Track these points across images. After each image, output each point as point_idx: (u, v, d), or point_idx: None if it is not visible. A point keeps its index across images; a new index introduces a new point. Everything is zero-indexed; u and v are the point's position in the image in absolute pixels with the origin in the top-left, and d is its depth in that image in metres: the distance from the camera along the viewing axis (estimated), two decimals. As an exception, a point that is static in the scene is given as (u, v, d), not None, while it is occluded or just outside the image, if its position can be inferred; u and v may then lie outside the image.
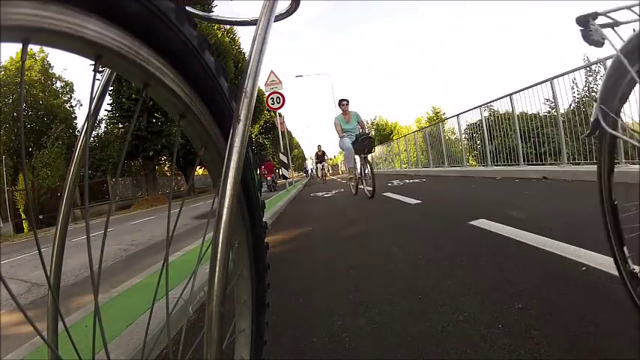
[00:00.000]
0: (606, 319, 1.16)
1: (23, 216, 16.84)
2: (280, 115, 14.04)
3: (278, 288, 2.04)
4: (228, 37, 29.34)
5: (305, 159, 37.10)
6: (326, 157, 17.24)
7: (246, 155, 0.44)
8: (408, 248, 2.51)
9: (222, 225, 0.40)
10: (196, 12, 0.60)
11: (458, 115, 8.48)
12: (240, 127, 0.41)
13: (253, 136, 41.42)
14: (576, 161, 4.93)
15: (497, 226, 2.61)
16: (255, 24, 0.44)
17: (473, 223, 2.86)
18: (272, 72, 13.35)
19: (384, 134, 41.01)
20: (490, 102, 7.10)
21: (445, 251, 2.29)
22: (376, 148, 21.16)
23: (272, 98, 12.88)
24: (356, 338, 1.33)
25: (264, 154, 46.54)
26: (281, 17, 0.61)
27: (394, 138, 29.09)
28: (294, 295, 1.90)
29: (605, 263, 1.61)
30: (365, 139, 5.66)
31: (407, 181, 8.62)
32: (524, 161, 6.01)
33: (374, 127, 43.09)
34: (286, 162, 12.05)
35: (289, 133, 15.63)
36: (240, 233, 0.61)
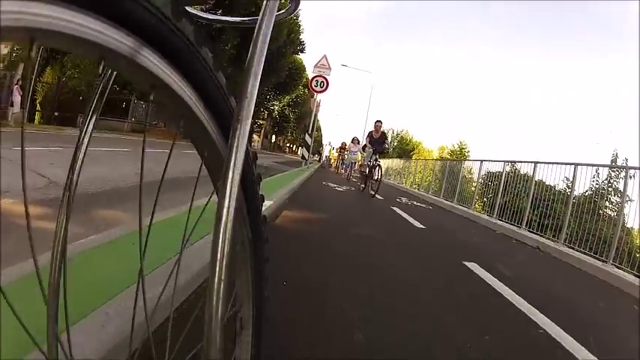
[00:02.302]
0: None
1: (38, 107, 17.06)
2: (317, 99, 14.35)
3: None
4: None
5: (322, 145, 37.22)
6: (386, 145, 8.73)
7: (246, 153, 0.43)
8: (409, 271, 2.98)
9: (222, 227, 0.38)
10: (196, 12, 0.58)
11: (482, 160, 8.86)
12: (241, 127, 0.40)
13: (280, 105, 41.57)
14: (571, 245, 5.34)
15: (485, 274, 3.05)
16: (255, 24, 0.44)
17: (466, 263, 3.31)
18: (325, 57, 13.57)
19: (406, 149, 41.37)
20: (516, 162, 7.48)
21: (437, 279, 2.75)
22: (394, 160, 21.47)
23: (317, 81, 13.15)
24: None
25: (286, 126, 46.86)
26: (281, 17, 0.60)
27: (414, 157, 29.54)
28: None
29: (559, 334, 2.05)
30: None
31: (414, 202, 9.05)
32: (526, 226, 6.42)
33: (398, 138, 43.44)
34: (309, 144, 12.49)
35: (315, 115, 15.04)
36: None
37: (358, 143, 13.04)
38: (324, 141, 49.54)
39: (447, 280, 2.77)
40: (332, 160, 25.85)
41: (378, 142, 8.48)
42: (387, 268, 2.77)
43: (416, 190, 13.28)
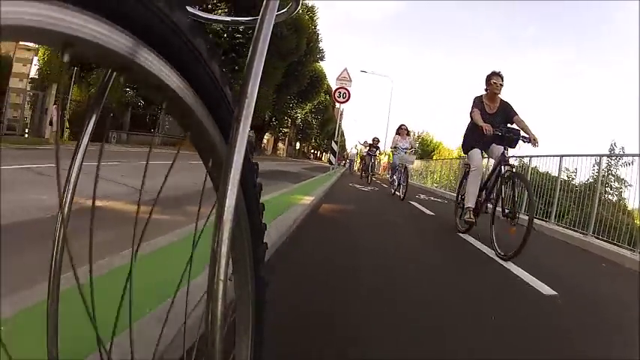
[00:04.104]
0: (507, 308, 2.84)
1: (67, 124, 17.02)
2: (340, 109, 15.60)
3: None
4: (308, 14, 30.59)
5: (346, 149, 38.12)
6: (523, 131, 3.96)
7: (246, 153, 0.41)
8: (416, 237, 4.22)
9: (222, 227, 0.39)
10: (196, 12, 0.58)
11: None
12: (241, 127, 0.40)
13: (303, 113, 43.01)
14: (560, 223, 6.40)
15: (473, 240, 4.23)
16: (255, 24, 0.44)
17: (460, 234, 4.50)
18: (346, 69, 14.83)
19: (427, 150, 42.33)
20: (512, 156, 8.57)
21: (433, 240, 3.99)
22: (415, 162, 22.39)
23: (339, 92, 14.44)
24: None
25: (310, 133, 48.35)
26: (281, 17, 0.58)
27: (434, 157, 30.63)
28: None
29: (519, 272, 3.23)
30: None
31: (431, 198, 10.20)
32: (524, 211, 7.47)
33: (419, 140, 44.31)
34: (335, 150, 13.85)
35: (339, 124, 15.61)
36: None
37: (408, 135, 9.07)
38: (348, 145, 50.63)
39: (441, 242, 4.00)
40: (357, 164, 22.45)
41: (498, 118, 4.16)
42: (397, 235, 4.03)
43: (435, 188, 14.36)
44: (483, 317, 2.01)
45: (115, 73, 0.41)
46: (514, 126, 4.04)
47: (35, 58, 20.65)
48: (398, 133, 8.93)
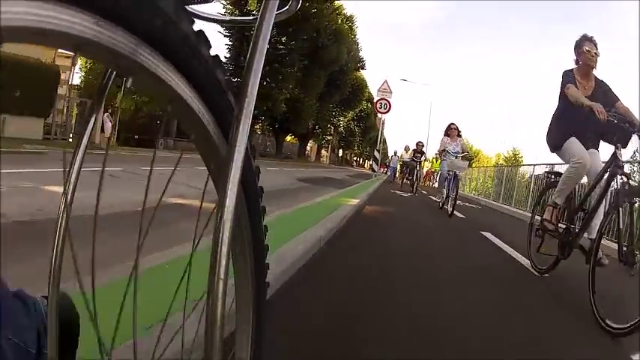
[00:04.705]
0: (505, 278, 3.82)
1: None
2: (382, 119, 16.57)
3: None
4: (347, 24, 31.02)
5: (387, 157, 38.66)
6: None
7: (246, 153, 0.42)
8: (446, 233, 5.22)
9: (222, 226, 0.39)
10: (196, 11, 0.59)
11: (516, 165, 10.60)
12: (241, 126, 0.40)
13: (345, 120, 43.93)
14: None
15: (491, 237, 5.14)
16: (255, 24, 0.45)
17: (482, 232, 5.41)
18: (386, 81, 15.76)
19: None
20: (548, 164, 9.21)
21: (457, 237, 4.97)
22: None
23: (380, 103, 15.43)
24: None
25: (352, 140, 49.34)
26: (281, 16, 0.59)
27: (474, 165, 30.97)
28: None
29: (518, 257, 4.16)
30: None
31: (467, 204, 10.96)
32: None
33: (462, 146, 44.56)
34: (378, 158, 14.89)
35: (382, 133, 16.15)
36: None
37: (459, 136, 7.61)
38: (390, 152, 51.35)
39: (464, 238, 4.97)
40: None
41: (600, 95, 2.87)
42: (428, 233, 5.04)
43: (473, 195, 14.99)
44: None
45: (114, 74, 0.44)
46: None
47: (77, 66, 21.02)
48: (447, 134, 7.56)
